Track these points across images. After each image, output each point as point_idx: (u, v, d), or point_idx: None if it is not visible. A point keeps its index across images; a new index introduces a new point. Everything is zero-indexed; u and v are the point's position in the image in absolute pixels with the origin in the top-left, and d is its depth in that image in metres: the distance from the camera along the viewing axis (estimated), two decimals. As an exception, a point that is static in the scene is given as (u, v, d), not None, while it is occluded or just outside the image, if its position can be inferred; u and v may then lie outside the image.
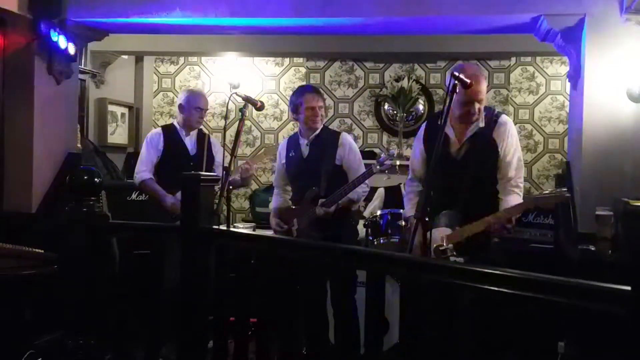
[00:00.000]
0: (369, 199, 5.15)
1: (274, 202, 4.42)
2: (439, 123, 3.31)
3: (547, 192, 3.36)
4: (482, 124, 3.39)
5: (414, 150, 3.69)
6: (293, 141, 4.29)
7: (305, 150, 4.17)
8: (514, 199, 3.38)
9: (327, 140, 4.12)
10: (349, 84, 6.97)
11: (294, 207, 4.24)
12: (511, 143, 3.43)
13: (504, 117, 3.47)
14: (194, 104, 4.50)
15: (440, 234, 3.25)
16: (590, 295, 1.76)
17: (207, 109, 4.72)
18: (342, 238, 3.94)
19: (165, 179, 4.40)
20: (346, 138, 4.17)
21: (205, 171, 4.31)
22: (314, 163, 4.10)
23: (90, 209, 3.08)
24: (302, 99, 4.11)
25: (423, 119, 6.75)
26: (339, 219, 4.03)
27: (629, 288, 1.64)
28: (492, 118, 3.43)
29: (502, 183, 3.44)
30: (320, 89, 4.42)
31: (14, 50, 4.51)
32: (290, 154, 4.25)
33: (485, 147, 3.39)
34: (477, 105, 3.30)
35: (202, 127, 4.73)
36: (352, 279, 3.86)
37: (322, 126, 4.20)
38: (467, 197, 3.35)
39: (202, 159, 4.46)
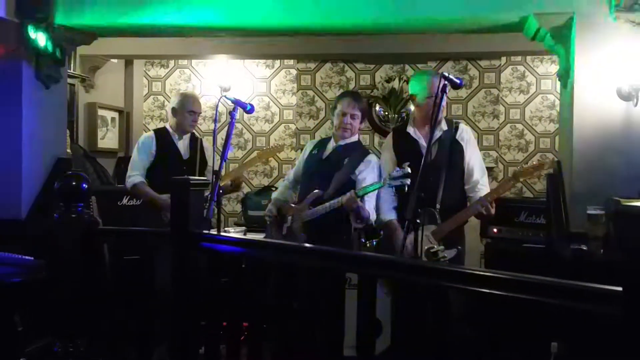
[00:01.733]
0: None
1: (277, 193, 4.32)
2: (407, 130, 3.86)
3: (527, 165, 3.79)
4: (445, 127, 3.78)
5: (384, 161, 3.95)
6: (323, 141, 4.20)
7: (327, 152, 4.07)
8: (484, 193, 3.70)
9: (354, 153, 3.99)
10: (339, 85, 6.96)
11: (293, 204, 4.13)
12: (474, 147, 3.87)
13: (462, 124, 3.92)
14: (187, 107, 4.47)
15: (425, 231, 3.33)
16: (583, 296, 1.75)
17: (201, 112, 4.70)
18: (333, 244, 3.84)
19: (157, 183, 4.36)
20: (373, 158, 4.01)
21: (198, 175, 4.29)
22: (329, 167, 3.98)
23: (80, 215, 3.06)
24: (339, 102, 4.02)
25: (414, 119, 6.76)
26: (333, 226, 3.90)
27: (620, 289, 1.63)
28: (453, 124, 3.84)
29: (469, 186, 3.79)
30: (359, 94, 4.29)
31: (1, 55, 4.47)
32: (314, 152, 4.16)
33: (452, 147, 3.75)
34: (443, 109, 3.54)
35: (194, 130, 4.70)
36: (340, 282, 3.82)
37: (356, 138, 4.07)
38: (443, 194, 3.65)
39: (194, 163, 4.44)
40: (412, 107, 6.69)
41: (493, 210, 3.64)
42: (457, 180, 3.79)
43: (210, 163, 4.54)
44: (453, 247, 3.59)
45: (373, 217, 3.87)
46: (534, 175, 3.72)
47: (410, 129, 3.85)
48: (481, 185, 3.78)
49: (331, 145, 4.08)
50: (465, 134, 3.85)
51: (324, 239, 3.71)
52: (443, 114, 3.73)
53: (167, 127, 4.59)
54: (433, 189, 3.60)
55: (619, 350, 1.68)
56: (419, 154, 3.48)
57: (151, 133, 4.62)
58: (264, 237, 4.38)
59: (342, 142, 4.03)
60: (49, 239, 3.17)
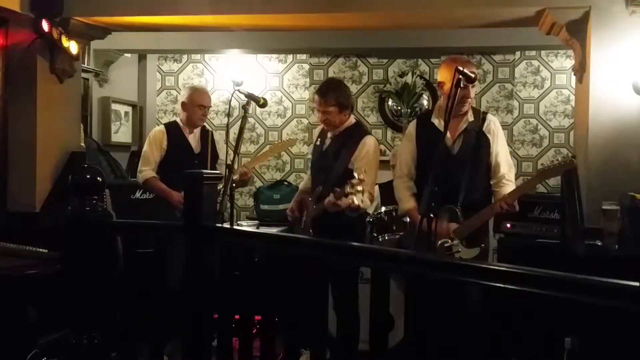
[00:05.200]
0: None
1: (302, 184, 4.42)
2: (431, 120, 3.65)
3: (554, 162, 3.42)
4: (471, 118, 3.58)
5: (404, 149, 3.78)
6: (323, 131, 4.20)
7: (327, 143, 4.08)
8: (509, 189, 3.51)
9: (350, 140, 3.97)
10: (352, 80, 6.94)
11: (309, 199, 4.15)
12: (501, 140, 3.65)
13: (490, 115, 3.71)
14: (196, 102, 4.47)
15: (446, 230, 3.26)
16: (597, 291, 1.74)
17: (210, 106, 4.69)
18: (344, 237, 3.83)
19: (169, 177, 4.37)
20: (367, 142, 3.97)
21: (210, 169, 4.28)
22: (329, 158, 4.00)
23: (94, 208, 3.07)
24: (314, 97, 4.07)
25: (427, 114, 6.74)
26: (340, 221, 3.87)
27: (636, 284, 1.61)
28: (480, 114, 3.63)
29: (495, 181, 3.61)
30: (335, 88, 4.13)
31: (17, 50, 4.51)
32: (317, 143, 4.20)
33: (478, 140, 3.55)
34: (469, 99, 3.44)
35: (205, 124, 4.70)
36: (355, 276, 3.82)
37: (352, 122, 4.06)
38: (466, 190, 3.48)
39: (206, 156, 4.44)
40: (424, 102, 6.73)
41: (517, 208, 3.51)
42: (482, 175, 3.61)
43: (221, 156, 4.54)
44: (476, 246, 3.44)
45: (367, 203, 3.80)
46: (560, 173, 3.48)
47: (435, 120, 3.67)
48: (507, 180, 3.59)
49: (329, 134, 4.09)
50: (493, 126, 3.65)
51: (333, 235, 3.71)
52: (471, 104, 3.57)
53: (178, 121, 4.59)
54: (456, 185, 3.46)
55: (633, 345, 1.67)
56: (443, 148, 3.39)
57: (162, 127, 4.61)
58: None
59: (336, 131, 4.03)
60: (62, 232, 3.18)
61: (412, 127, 3.81)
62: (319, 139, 4.17)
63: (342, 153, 3.94)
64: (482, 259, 3.46)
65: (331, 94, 3.96)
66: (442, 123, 3.50)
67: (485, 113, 3.73)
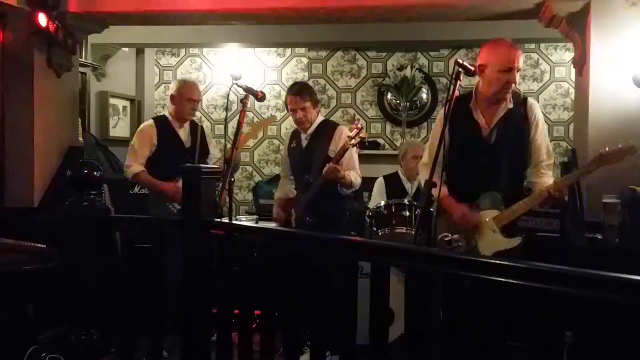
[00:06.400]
0: (369, 190, 5.17)
1: (277, 192, 4.52)
2: (469, 106, 3.33)
3: (613, 147, 3.11)
4: (510, 105, 3.28)
5: (434, 135, 3.47)
6: (296, 133, 4.34)
7: (304, 143, 4.23)
8: (548, 179, 3.28)
9: (324, 133, 4.16)
10: (351, 73, 6.93)
11: (292, 197, 4.31)
12: (542, 127, 3.35)
13: (531, 99, 3.37)
14: (186, 95, 4.36)
15: (486, 217, 3.20)
16: (598, 285, 1.73)
17: (200, 100, 4.62)
18: (335, 223, 4.01)
19: (160, 172, 4.27)
20: (342, 130, 4.12)
21: (199, 163, 4.26)
22: (311, 155, 4.13)
23: (92, 203, 3.05)
24: (287, 99, 4.22)
25: (426, 108, 6.71)
26: (331, 204, 4.07)
27: (637, 277, 1.60)
28: (520, 98, 3.33)
29: (533, 167, 3.33)
30: (305, 86, 4.33)
31: (14, 44, 4.49)
32: (292, 145, 4.32)
33: (517, 128, 3.28)
34: (512, 84, 3.20)
35: (195, 118, 4.61)
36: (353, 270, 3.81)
37: (320, 119, 4.25)
38: (505, 178, 3.27)
39: (196, 151, 4.40)
40: (424, 95, 6.70)
41: (566, 197, 3.36)
42: (520, 163, 3.34)
43: (212, 151, 4.53)
44: (516, 236, 3.23)
45: (357, 181, 4.10)
46: (621, 159, 3.09)
47: (473, 106, 3.35)
48: (545, 170, 3.31)
49: (303, 135, 4.25)
50: (535, 112, 3.32)
51: (327, 220, 3.95)
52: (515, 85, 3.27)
53: (167, 115, 4.50)
54: (491, 173, 3.26)
55: (633, 339, 1.66)
56: (478, 138, 3.26)
57: (151, 122, 4.48)
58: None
59: (310, 131, 4.20)
60: (61, 227, 3.16)
61: (443, 113, 3.33)
62: (293, 142, 4.31)
63: (320, 146, 4.11)
64: (524, 250, 3.21)
65: (304, 91, 4.19)
66: (479, 111, 3.32)
67: (525, 96, 3.39)
